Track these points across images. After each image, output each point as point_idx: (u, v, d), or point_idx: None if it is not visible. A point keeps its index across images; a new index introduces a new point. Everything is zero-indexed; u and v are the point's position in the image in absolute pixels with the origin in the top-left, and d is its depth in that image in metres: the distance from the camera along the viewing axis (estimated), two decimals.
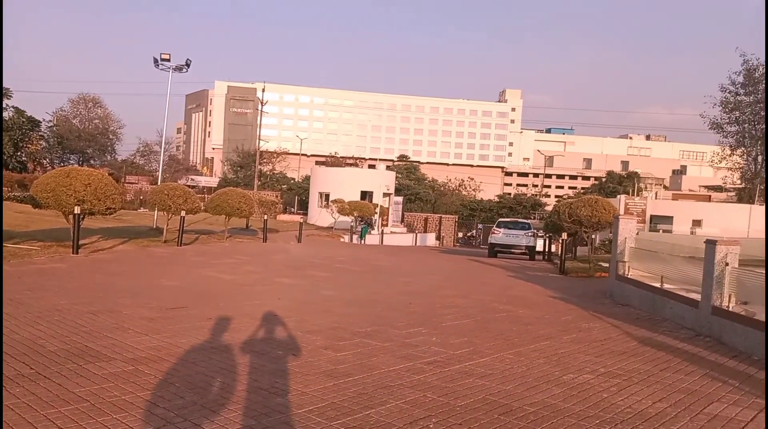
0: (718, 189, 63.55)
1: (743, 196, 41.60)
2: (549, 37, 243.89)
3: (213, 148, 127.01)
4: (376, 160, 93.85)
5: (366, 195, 41.62)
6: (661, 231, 31.44)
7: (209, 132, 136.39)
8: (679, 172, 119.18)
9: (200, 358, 6.08)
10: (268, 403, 4.81)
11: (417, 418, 4.64)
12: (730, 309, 8.19)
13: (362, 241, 33.87)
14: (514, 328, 8.65)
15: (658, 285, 10.56)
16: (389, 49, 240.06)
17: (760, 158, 38.23)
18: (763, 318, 7.54)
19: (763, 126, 37.14)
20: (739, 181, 42.18)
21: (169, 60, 26.66)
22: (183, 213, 19.49)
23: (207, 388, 5.11)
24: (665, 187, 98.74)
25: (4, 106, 42.75)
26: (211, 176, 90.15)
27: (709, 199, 58.43)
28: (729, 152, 39.86)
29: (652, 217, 38.24)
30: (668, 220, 37.66)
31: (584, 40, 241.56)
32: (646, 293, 10.90)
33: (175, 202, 19.54)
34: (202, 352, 6.32)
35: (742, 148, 39.15)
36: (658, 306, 10.32)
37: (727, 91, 38.44)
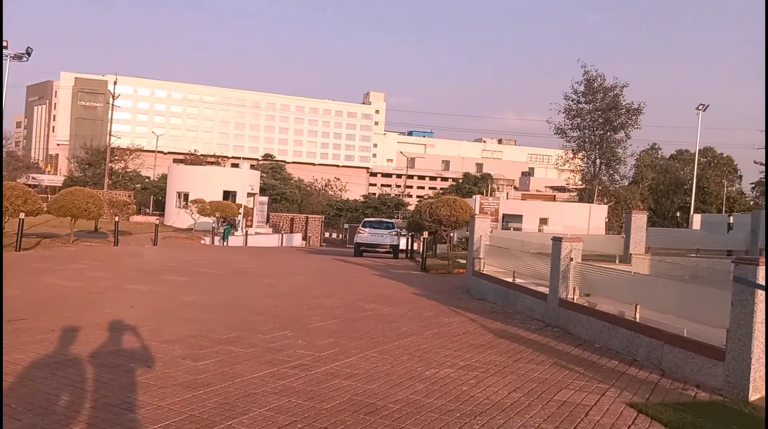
0: (561, 189, 68.99)
1: (584, 196, 45.45)
2: (412, 42, 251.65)
3: (58, 144, 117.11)
4: (239, 158, 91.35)
5: (229, 195, 40.42)
6: (512, 229, 33.53)
7: (53, 127, 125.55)
8: (528, 174, 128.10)
9: (42, 374, 5.53)
10: (120, 420, 4.47)
11: (282, 425, 4.52)
12: (575, 301, 8.86)
13: (225, 243, 32.82)
14: (379, 327, 8.76)
15: (510, 280, 11.20)
16: (255, 45, 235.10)
17: (598, 161, 41.91)
18: (604, 308, 8.24)
19: (601, 131, 40.80)
20: (580, 182, 45.97)
21: (6, 47, 24.20)
22: (22, 215, 17.74)
23: (49, 408, 4.65)
24: (515, 188, 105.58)
25: None
26: (56, 175, 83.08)
27: (554, 198, 63.28)
28: (571, 155, 43.30)
29: (504, 215, 40.67)
30: (518, 218, 40.26)
31: (444, 46, 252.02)
32: (500, 288, 11.53)
33: (13, 203, 17.73)
34: (44, 368, 5.76)
35: (583, 152, 42.68)
36: (511, 299, 10.95)
37: (570, 99, 41.81)
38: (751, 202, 56.11)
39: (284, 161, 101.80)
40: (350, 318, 9.44)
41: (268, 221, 47.77)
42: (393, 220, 33.65)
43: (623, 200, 44.33)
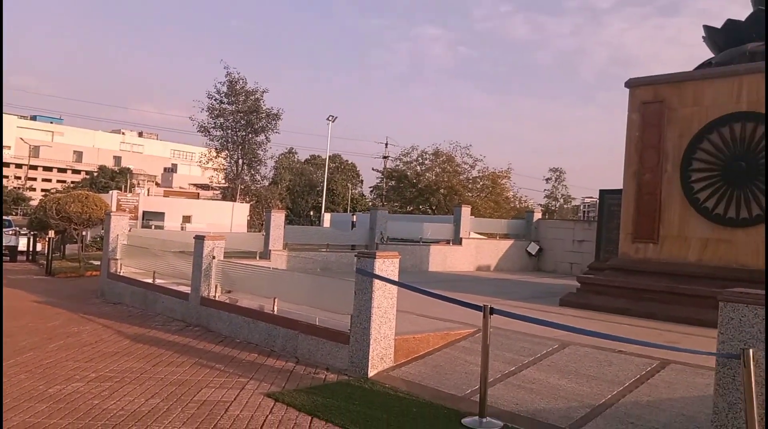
0: (206, 187, 68.91)
1: (227, 195, 46.19)
2: (38, 19, 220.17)
3: None
4: None
5: None
6: (153, 227, 32.08)
7: None
8: (171, 170, 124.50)
9: None
10: None
11: None
12: (217, 298, 8.90)
13: None
14: None
15: (150, 280, 10.68)
16: None
17: (240, 161, 43.03)
18: (245, 304, 8.44)
19: (243, 133, 41.99)
20: (223, 181, 46.57)
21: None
22: None
23: None
24: (157, 184, 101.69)
25: None
26: None
27: (197, 196, 62.85)
28: (215, 154, 43.54)
29: (144, 213, 38.70)
30: (160, 216, 38.77)
31: (76, 26, 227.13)
32: (139, 289, 10.90)
33: None
34: None
35: (226, 151, 43.33)
36: (150, 301, 10.44)
37: (213, 98, 41.93)
38: (370, 203, 64.61)
39: None
40: None
41: None
42: (10, 218, 29.05)
43: (264, 199, 46.41)
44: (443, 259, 16.57)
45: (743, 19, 9.56)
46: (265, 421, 4.91)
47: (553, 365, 6.16)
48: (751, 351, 3.83)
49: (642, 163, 9.70)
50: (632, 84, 9.91)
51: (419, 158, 44.15)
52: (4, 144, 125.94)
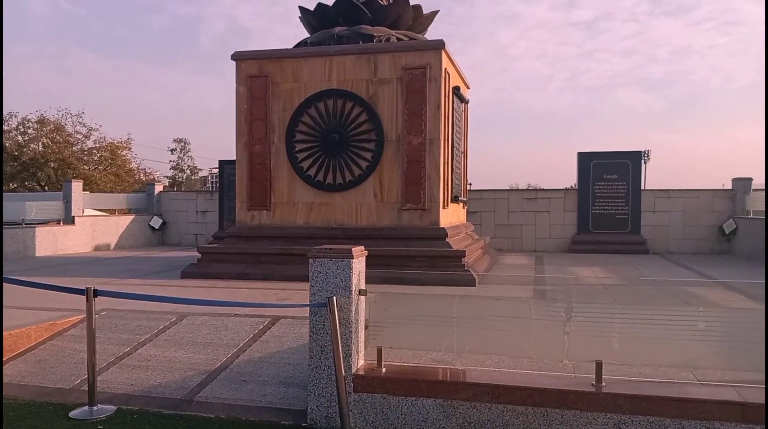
0: None
1: None
2: None
3: None
4: None
5: None
6: None
7: None
8: None
9: None
10: None
11: None
12: None
13: None
14: None
15: None
16: None
17: None
18: None
19: None
20: None
21: None
22: None
23: None
24: None
25: None
26: None
27: None
28: None
29: None
30: None
31: None
32: None
33: None
34: None
35: None
36: None
37: None
38: None
39: None
40: None
41: None
42: None
43: None
44: (54, 242, 14.89)
45: (331, 5, 10.70)
46: None
47: (170, 339, 6.13)
48: (335, 298, 4.41)
49: (252, 135, 10.20)
50: (238, 57, 10.27)
51: (20, 127, 38.41)
52: None
